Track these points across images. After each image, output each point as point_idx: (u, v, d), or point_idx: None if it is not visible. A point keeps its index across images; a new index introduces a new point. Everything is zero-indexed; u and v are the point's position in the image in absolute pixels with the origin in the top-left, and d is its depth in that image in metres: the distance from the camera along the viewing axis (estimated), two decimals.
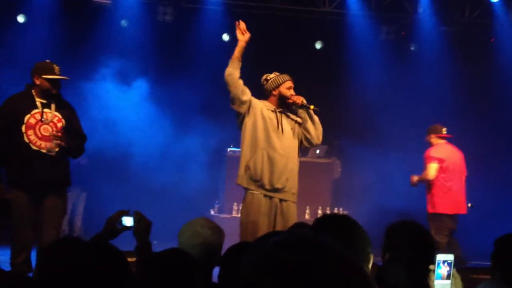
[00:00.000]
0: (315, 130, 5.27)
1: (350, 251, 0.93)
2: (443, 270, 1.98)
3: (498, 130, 10.28)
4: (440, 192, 7.15)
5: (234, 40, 10.25)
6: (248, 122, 5.05)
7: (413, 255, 2.38)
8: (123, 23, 9.93)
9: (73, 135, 5.10)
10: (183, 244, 2.73)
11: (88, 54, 9.23)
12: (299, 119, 5.24)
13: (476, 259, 6.95)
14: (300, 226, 3.34)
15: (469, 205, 7.18)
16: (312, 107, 5.20)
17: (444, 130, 7.28)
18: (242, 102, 4.99)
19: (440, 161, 7.12)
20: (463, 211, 7.30)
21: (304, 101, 5.19)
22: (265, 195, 5.01)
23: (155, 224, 7.29)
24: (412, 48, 10.78)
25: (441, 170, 7.11)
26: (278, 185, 5.05)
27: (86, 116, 9.14)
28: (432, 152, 7.24)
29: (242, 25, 5.19)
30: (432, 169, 7.09)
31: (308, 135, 5.23)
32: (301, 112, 5.23)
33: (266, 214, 4.96)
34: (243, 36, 5.16)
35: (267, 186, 5.00)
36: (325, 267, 0.85)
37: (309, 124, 5.23)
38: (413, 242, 2.42)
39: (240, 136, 5.24)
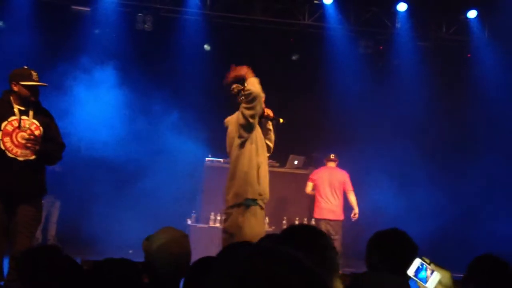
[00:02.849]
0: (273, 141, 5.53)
1: (316, 264, 0.95)
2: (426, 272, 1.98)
3: (472, 143, 10.44)
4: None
5: (214, 50, 10.42)
6: (250, 139, 5.12)
7: None
8: (101, 31, 9.89)
9: (51, 143, 5.05)
10: (150, 256, 2.69)
11: (66, 61, 9.15)
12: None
13: None
14: (270, 237, 3.36)
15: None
16: (281, 120, 5.39)
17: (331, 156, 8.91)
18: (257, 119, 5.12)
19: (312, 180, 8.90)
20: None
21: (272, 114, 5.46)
22: (260, 206, 5.12)
23: (130, 233, 7.25)
24: (391, 63, 10.91)
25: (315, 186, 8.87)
26: (268, 196, 5.20)
27: (62, 123, 9.08)
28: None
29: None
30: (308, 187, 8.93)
31: (270, 145, 5.37)
32: (269, 124, 5.38)
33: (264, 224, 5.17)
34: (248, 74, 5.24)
35: (266, 199, 5.14)
36: (289, 280, 0.87)
37: (273, 135, 5.46)
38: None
39: (226, 146, 5.29)
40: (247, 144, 5.12)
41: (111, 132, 9.25)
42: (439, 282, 1.94)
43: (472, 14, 10.36)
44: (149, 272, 2.65)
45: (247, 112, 5.05)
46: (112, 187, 9.16)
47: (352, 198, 8.71)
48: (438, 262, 2.01)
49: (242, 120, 5.10)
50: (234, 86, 5.38)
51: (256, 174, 5.10)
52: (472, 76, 10.72)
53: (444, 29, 10.64)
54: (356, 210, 8.65)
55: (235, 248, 2.57)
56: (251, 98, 5.04)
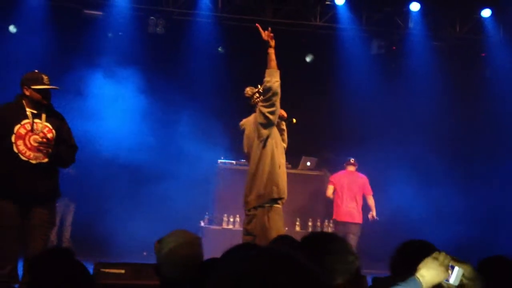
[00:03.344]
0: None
1: (332, 267, 0.96)
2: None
3: (488, 143, 10.34)
4: None
5: (227, 52, 10.41)
6: (272, 136, 5.10)
7: None
8: (113, 35, 9.93)
9: (64, 145, 5.07)
10: (161, 258, 2.68)
11: (78, 65, 9.21)
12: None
13: None
14: (283, 238, 3.34)
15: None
16: (294, 120, 5.39)
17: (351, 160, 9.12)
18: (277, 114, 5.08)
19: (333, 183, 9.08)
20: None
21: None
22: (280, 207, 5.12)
23: (144, 235, 7.28)
24: (404, 63, 10.84)
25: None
26: (286, 197, 5.21)
27: (75, 126, 9.14)
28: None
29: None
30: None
31: (284, 145, 5.37)
32: (282, 124, 5.39)
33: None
34: (267, 35, 5.21)
35: (285, 199, 5.12)
36: (286, 280, 0.86)
37: (286, 136, 5.46)
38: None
39: (244, 149, 5.27)
40: (269, 144, 5.09)
41: (126, 136, 9.29)
42: (463, 276, 1.93)
43: (486, 13, 10.26)
44: (159, 274, 2.63)
45: (266, 109, 5.01)
46: (126, 189, 9.21)
47: (371, 202, 8.91)
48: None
49: (261, 119, 5.04)
50: (248, 89, 5.37)
51: (277, 176, 5.07)
52: (487, 76, 10.61)
53: (458, 28, 10.54)
54: (373, 212, 8.83)
55: (237, 250, 2.56)
56: (270, 94, 5.00)
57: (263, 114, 5.03)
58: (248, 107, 5.38)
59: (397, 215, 9.36)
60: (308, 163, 9.73)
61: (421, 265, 1.95)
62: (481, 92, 10.46)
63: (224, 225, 8.95)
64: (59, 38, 9.44)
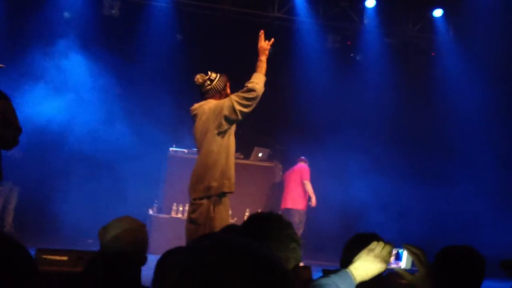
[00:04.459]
0: None
1: (276, 254, 0.94)
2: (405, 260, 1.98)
3: (430, 138, 10.64)
4: None
5: (184, 39, 10.29)
6: (231, 131, 5.04)
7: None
8: (66, 14, 9.65)
9: (7, 127, 4.88)
10: (105, 244, 2.62)
11: (32, 46, 8.93)
12: None
13: None
14: (230, 227, 3.33)
15: None
16: None
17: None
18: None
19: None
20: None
21: None
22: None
23: (90, 222, 7.13)
24: (358, 58, 10.99)
25: None
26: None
27: (21, 108, 8.85)
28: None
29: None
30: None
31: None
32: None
33: None
34: (267, 44, 5.11)
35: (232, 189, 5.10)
36: (247, 274, 0.85)
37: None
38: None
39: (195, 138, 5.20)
40: (227, 137, 5.00)
41: (75, 121, 9.07)
42: (419, 260, 1.93)
43: (438, 13, 10.51)
44: (103, 261, 2.58)
45: (241, 108, 4.92)
46: (74, 175, 9.00)
47: (308, 187, 9.01)
48: None
49: (230, 113, 4.93)
50: (198, 76, 5.27)
51: (232, 166, 5.04)
52: (435, 74, 10.90)
53: (410, 26, 10.76)
54: (313, 198, 8.93)
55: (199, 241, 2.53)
56: (253, 97, 4.93)
57: (235, 110, 4.92)
58: (198, 94, 5.29)
59: (349, 207, 9.53)
60: (260, 154, 9.76)
61: (356, 257, 1.89)
62: (430, 90, 10.74)
63: (173, 214, 8.87)
64: (11, 18, 9.10)
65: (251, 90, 4.88)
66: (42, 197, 8.78)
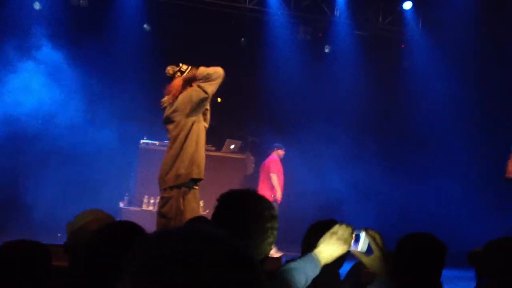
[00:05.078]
0: None
1: (247, 243, 0.93)
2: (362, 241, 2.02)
3: (401, 130, 10.78)
4: None
5: (154, 30, 10.17)
6: (199, 118, 5.04)
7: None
8: (36, 5, 9.45)
9: None
10: (71, 236, 2.59)
11: None
12: None
13: None
14: (198, 219, 3.32)
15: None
16: (219, 99, 5.46)
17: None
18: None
19: None
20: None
21: None
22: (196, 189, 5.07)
23: (60, 216, 7.03)
24: (327, 50, 11.04)
25: None
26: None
27: None
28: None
29: None
30: None
31: (206, 125, 5.30)
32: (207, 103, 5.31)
33: None
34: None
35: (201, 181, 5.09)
36: (215, 263, 0.84)
37: (209, 116, 5.41)
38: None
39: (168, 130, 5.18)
40: (195, 125, 5.05)
41: (44, 111, 8.92)
42: (376, 242, 1.97)
43: (407, 5, 10.61)
44: (70, 253, 2.55)
45: (210, 88, 4.99)
46: (43, 167, 8.84)
47: (273, 180, 9.10)
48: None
49: (197, 97, 4.99)
50: (169, 68, 5.27)
51: (201, 156, 5.05)
52: (406, 66, 11.03)
53: (381, 19, 10.85)
54: (277, 192, 9.04)
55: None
56: (217, 76, 5.00)
57: (204, 90, 4.99)
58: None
59: (324, 198, 9.60)
60: (232, 146, 9.76)
61: (320, 241, 1.95)
62: (400, 81, 10.87)
63: (144, 207, 8.82)
64: None
65: (212, 73, 5.06)
66: (10, 189, 8.62)
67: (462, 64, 10.24)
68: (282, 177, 9.27)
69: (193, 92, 5.03)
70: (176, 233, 0.89)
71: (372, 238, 1.97)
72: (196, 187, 5.07)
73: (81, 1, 9.61)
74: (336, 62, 10.84)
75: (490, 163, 9.11)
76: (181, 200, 4.95)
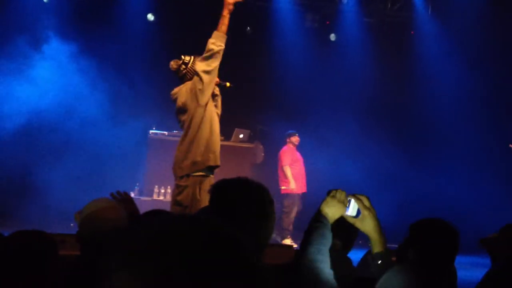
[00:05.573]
0: None
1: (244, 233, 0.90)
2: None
3: (411, 117, 10.73)
4: None
5: (159, 20, 10.16)
6: (210, 105, 5.02)
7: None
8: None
9: None
10: (81, 225, 2.59)
11: (7, 29, 8.77)
12: None
13: None
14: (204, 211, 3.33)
15: None
16: (228, 84, 5.32)
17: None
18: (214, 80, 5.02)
19: None
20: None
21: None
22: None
23: (71, 206, 7.06)
24: (333, 39, 10.96)
25: None
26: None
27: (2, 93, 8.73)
28: None
29: None
30: None
31: (218, 112, 5.26)
32: (216, 89, 5.28)
33: None
34: (233, 3, 5.07)
35: (218, 169, 5.07)
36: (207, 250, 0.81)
37: (220, 102, 5.34)
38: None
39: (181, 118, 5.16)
40: (208, 111, 5.03)
41: (54, 102, 8.94)
42: (362, 206, 2.20)
43: None
44: (80, 241, 2.56)
45: (203, 68, 4.93)
46: (54, 159, 8.89)
47: (286, 172, 9.01)
48: None
49: (199, 83, 4.96)
50: (172, 62, 5.25)
51: (214, 144, 5.04)
52: (416, 52, 10.93)
53: (389, 6, 10.76)
54: (290, 183, 8.96)
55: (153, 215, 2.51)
56: (210, 55, 4.96)
57: (198, 74, 4.95)
58: (177, 79, 5.27)
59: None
60: (241, 136, 9.75)
61: (322, 206, 2.19)
62: (409, 68, 10.79)
63: (155, 197, 8.85)
64: None
65: (208, 50, 4.97)
66: (23, 181, 8.68)
67: (472, 50, 10.16)
68: (299, 165, 9.13)
69: (195, 79, 5.03)
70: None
71: (359, 200, 2.21)
72: (212, 175, 5.05)
73: None
74: (344, 49, 10.78)
75: (503, 149, 9.05)
76: (197, 189, 4.93)
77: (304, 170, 9.19)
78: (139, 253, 0.81)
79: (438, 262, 2.49)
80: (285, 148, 9.18)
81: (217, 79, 5.23)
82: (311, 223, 2.15)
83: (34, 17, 9.21)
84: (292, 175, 9.00)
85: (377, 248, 2.18)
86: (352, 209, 2.22)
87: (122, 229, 2.52)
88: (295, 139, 9.20)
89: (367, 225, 2.19)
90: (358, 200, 2.21)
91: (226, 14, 5.07)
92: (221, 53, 4.98)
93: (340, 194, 2.21)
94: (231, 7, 5.06)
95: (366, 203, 2.21)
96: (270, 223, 1.96)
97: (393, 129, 10.58)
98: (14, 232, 2.33)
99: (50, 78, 9.01)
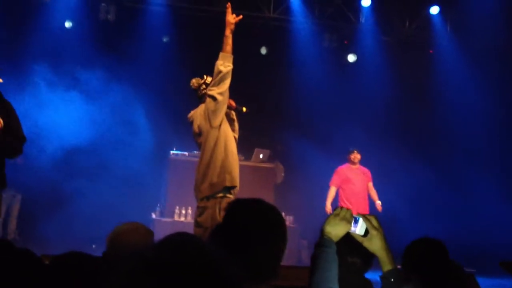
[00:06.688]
0: None
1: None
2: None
3: (433, 135, 10.64)
4: None
5: (178, 42, 10.30)
6: (224, 126, 5.06)
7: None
8: (67, 24, 9.71)
9: (11, 135, 4.89)
10: (110, 245, 2.63)
11: (27, 56, 8.95)
12: None
13: None
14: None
15: None
16: (244, 109, 5.32)
17: None
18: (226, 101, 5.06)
19: None
20: None
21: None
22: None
23: (94, 228, 7.12)
24: (351, 60, 10.95)
25: None
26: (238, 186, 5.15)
27: (25, 117, 8.86)
28: None
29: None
30: None
31: (235, 135, 5.30)
32: (232, 114, 5.32)
33: None
34: (234, 18, 5.16)
35: (237, 189, 5.07)
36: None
37: (237, 125, 5.38)
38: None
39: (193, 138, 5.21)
40: (221, 133, 5.07)
41: (76, 127, 9.08)
42: (371, 225, 2.21)
43: (434, 10, 10.52)
44: (109, 262, 2.59)
45: (215, 91, 4.98)
46: (75, 181, 9.00)
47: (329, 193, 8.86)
48: None
49: (211, 105, 5.00)
50: (193, 80, 5.32)
51: (229, 164, 5.06)
52: (435, 71, 10.89)
53: (407, 24, 10.78)
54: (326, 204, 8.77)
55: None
56: (220, 77, 5.00)
57: (212, 97, 5.01)
58: (196, 99, 5.34)
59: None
60: (261, 156, 9.77)
61: (325, 224, 2.19)
62: (429, 86, 10.75)
63: (176, 218, 8.88)
64: (8, 25, 9.12)
65: (217, 73, 5.02)
66: (44, 203, 8.79)
67: (492, 66, 10.09)
68: (352, 185, 8.75)
69: (207, 101, 5.09)
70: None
71: (368, 220, 2.22)
72: (231, 196, 5.07)
73: (109, 16, 9.80)
74: (363, 68, 10.79)
75: None
76: (217, 210, 4.96)
77: (362, 190, 8.79)
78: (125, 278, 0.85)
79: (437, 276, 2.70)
80: (339, 166, 8.91)
81: (233, 104, 5.28)
82: (315, 248, 2.16)
83: (59, 43, 9.42)
84: (344, 196, 8.71)
85: (387, 266, 2.20)
86: (360, 228, 2.24)
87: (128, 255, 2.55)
88: (351, 156, 8.83)
89: (375, 245, 2.22)
90: (366, 220, 2.23)
91: (228, 34, 5.16)
92: (230, 73, 5.04)
93: (345, 212, 2.22)
94: (232, 26, 5.16)
95: (375, 223, 2.23)
96: (281, 244, 1.98)
97: (412, 146, 10.51)
98: (66, 252, 2.36)
99: (73, 100, 9.17)
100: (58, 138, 8.96)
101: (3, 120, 4.84)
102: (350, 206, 8.26)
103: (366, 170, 8.95)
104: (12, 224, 8.64)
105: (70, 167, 9.05)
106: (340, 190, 8.81)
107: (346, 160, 8.92)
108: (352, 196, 8.72)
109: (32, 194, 8.64)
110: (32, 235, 8.39)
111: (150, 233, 2.75)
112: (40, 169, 8.73)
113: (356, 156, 8.82)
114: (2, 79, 4.95)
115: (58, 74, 9.17)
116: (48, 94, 9.06)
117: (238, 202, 2.08)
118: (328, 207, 8.66)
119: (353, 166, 8.86)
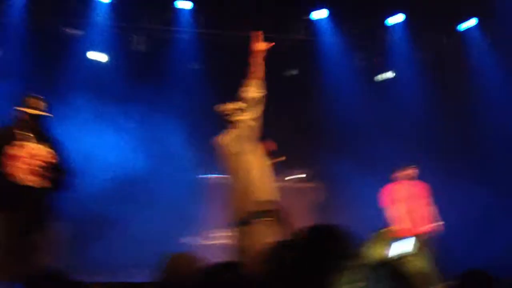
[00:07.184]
0: None
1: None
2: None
3: (471, 153, 10.37)
4: None
5: (208, 69, 10.39)
6: (257, 148, 5.11)
7: None
8: (102, 57, 9.94)
9: (62, 171, 5.03)
10: (168, 278, 2.71)
11: (62, 85, 9.18)
12: None
13: None
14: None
15: None
16: (284, 158, 5.54)
17: None
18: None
19: None
20: None
21: None
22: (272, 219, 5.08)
23: (133, 252, 7.15)
24: (380, 79, 10.82)
25: None
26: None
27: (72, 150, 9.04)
28: None
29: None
30: None
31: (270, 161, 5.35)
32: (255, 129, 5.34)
33: None
34: (263, 45, 5.27)
35: (278, 211, 5.09)
36: None
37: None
38: None
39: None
40: (254, 157, 5.10)
41: (112, 154, 9.22)
42: (407, 252, 2.14)
43: (471, 23, 10.30)
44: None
45: (249, 117, 5.06)
46: (114, 207, 9.09)
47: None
48: None
49: (245, 130, 5.07)
50: (230, 104, 5.35)
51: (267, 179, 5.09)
52: (473, 86, 10.59)
53: (444, 40, 10.59)
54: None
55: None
56: (254, 104, 5.08)
57: (246, 122, 5.04)
58: (226, 124, 5.37)
59: None
60: (299, 176, 9.74)
61: (370, 243, 2.14)
62: (467, 104, 10.46)
63: (211, 241, 8.89)
64: (39, 57, 9.37)
65: (251, 99, 5.14)
66: (85, 231, 8.91)
67: None
68: (403, 204, 7.75)
69: (242, 126, 5.12)
70: None
71: (406, 244, 2.14)
72: (269, 219, 5.04)
73: (140, 46, 10.01)
74: (396, 86, 10.67)
75: None
76: (253, 233, 4.94)
77: (418, 208, 7.72)
78: None
79: None
80: (389, 184, 8.13)
81: (274, 146, 5.36)
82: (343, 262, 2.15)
83: (95, 76, 9.63)
84: (398, 216, 7.67)
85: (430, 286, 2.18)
86: (395, 250, 2.21)
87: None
88: (402, 174, 8.05)
89: (415, 267, 2.18)
90: (404, 243, 2.21)
91: (261, 61, 5.22)
92: (263, 99, 5.10)
93: (383, 235, 2.20)
94: (264, 53, 5.25)
95: (412, 246, 2.21)
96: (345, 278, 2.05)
97: (451, 165, 10.25)
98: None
99: (99, 133, 9.31)
100: (91, 169, 9.09)
101: (50, 154, 4.95)
102: (405, 225, 7.15)
103: (422, 185, 8.17)
104: (62, 253, 8.72)
105: (106, 194, 9.17)
106: (393, 209, 7.93)
107: (390, 178, 8.55)
108: (405, 215, 7.60)
109: (80, 222, 8.78)
110: (79, 263, 8.49)
111: (200, 260, 2.84)
112: (82, 199, 8.86)
113: (405, 172, 8.05)
114: (50, 113, 5.08)
115: (90, 105, 9.34)
116: (79, 127, 9.23)
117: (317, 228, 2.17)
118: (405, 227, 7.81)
119: (402, 184, 8.11)
